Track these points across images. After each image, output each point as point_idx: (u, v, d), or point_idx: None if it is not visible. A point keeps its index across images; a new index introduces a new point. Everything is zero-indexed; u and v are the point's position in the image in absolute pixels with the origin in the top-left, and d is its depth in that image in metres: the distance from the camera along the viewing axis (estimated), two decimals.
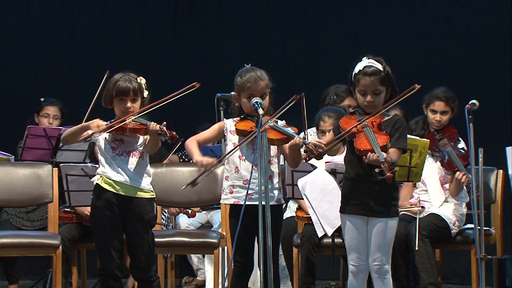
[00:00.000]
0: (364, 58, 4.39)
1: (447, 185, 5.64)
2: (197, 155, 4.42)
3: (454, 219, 5.54)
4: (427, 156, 5.63)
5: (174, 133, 4.42)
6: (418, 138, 5.42)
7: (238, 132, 4.45)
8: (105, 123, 4.43)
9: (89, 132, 4.40)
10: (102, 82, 6.46)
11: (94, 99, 6.34)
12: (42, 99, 6.60)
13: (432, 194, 5.65)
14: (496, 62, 7.48)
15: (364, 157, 4.17)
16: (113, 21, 8.21)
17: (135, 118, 4.45)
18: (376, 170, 4.11)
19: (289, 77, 7.61)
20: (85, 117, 6.17)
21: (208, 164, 4.33)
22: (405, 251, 5.38)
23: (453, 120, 5.75)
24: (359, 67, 4.37)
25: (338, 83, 6.20)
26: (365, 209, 4.30)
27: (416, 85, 4.31)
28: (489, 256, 5.14)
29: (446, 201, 5.64)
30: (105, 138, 4.50)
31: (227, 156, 4.41)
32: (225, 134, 4.54)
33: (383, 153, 4.12)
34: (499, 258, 5.64)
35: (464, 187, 5.56)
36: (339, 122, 4.41)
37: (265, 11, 8.15)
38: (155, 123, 4.40)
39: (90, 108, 6.49)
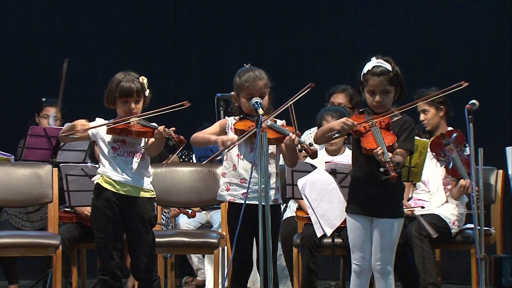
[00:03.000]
0: (373, 58, 4.38)
1: (448, 186, 5.63)
2: (213, 137, 4.43)
3: (454, 218, 5.54)
4: (432, 158, 5.63)
5: (182, 137, 4.44)
6: (418, 138, 5.41)
7: (237, 132, 4.45)
8: (88, 123, 4.46)
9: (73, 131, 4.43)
10: (64, 71, 6.51)
11: (61, 89, 6.40)
12: (43, 99, 6.59)
13: (434, 195, 5.64)
14: (496, 62, 7.49)
15: (373, 151, 4.15)
16: (113, 21, 8.21)
17: (140, 120, 4.46)
18: (381, 169, 4.10)
19: (289, 77, 7.60)
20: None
21: (227, 141, 4.31)
22: (401, 255, 5.35)
23: (453, 120, 5.75)
24: (367, 67, 4.36)
25: (338, 82, 6.21)
26: (369, 209, 4.30)
27: (464, 82, 4.28)
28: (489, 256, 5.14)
29: (446, 201, 5.64)
30: (108, 141, 4.51)
31: (241, 139, 4.36)
32: (227, 131, 4.53)
33: (388, 153, 4.11)
34: (495, 257, 5.64)
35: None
36: None
37: (265, 11, 8.15)
38: (164, 127, 4.41)
39: (59, 100, 6.51)
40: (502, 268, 5.56)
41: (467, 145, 5.62)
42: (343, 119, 4.30)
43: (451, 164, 5.56)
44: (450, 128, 5.77)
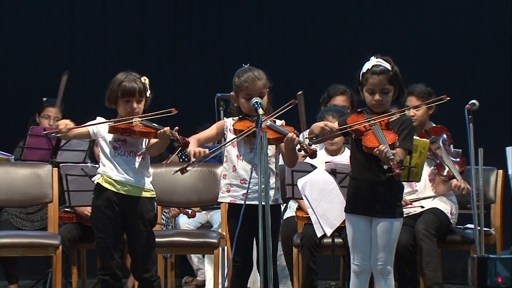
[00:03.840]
0: (373, 57, 4.39)
1: (433, 181, 5.61)
2: (190, 147, 4.43)
3: (449, 207, 5.51)
4: None
5: (187, 139, 4.44)
6: (418, 138, 5.41)
7: (236, 132, 4.45)
8: (71, 123, 4.46)
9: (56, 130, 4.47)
10: (63, 83, 6.49)
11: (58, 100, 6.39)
12: (44, 99, 6.58)
13: (422, 193, 5.62)
14: (496, 62, 7.48)
15: (375, 150, 4.14)
16: (113, 21, 8.21)
17: (142, 121, 4.46)
18: (385, 167, 4.10)
19: (289, 77, 7.61)
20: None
21: (197, 153, 4.33)
22: (412, 256, 5.33)
23: (453, 120, 5.74)
24: (367, 66, 4.36)
25: (338, 82, 6.21)
26: (369, 209, 4.30)
27: (446, 96, 4.33)
28: None
29: (434, 197, 5.61)
30: (109, 141, 4.51)
31: (218, 150, 4.41)
32: (225, 132, 4.54)
33: (391, 150, 4.12)
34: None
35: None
36: (346, 120, 4.40)
37: (265, 11, 8.15)
38: (168, 128, 4.41)
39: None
40: (487, 269, 5.52)
41: (451, 143, 5.60)
42: (322, 123, 4.31)
43: (439, 162, 5.53)
44: (433, 125, 5.75)
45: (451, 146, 5.62)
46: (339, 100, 6.12)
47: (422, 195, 5.61)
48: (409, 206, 5.56)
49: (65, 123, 4.44)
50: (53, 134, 4.50)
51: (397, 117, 4.39)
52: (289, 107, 4.32)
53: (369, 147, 4.19)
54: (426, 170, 5.60)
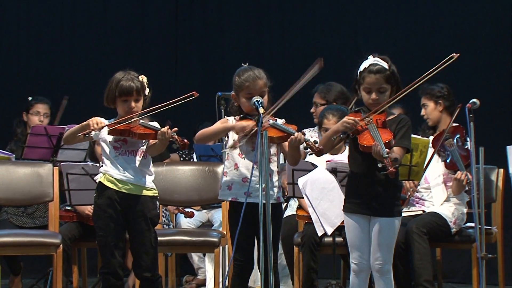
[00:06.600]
0: (370, 56, 4.39)
1: (449, 184, 5.63)
2: (230, 124, 4.38)
3: (455, 218, 5.54)
4: (434, 155, 5.63)
5: (186, 140, 4.43)
6: (418, 137, 5.42)
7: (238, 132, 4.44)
8: (104, 120, 4.44)
9: (88, 130, 4.39)
10: (63, 107, 6.53)
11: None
12: (30, 98, 6.56)
13: (434, 190, 5.64)
14: (496, 61, 7.49)
15: (372, 145, 4.15)
16: (113, 21, 8.21)
17: (142, 122, 4.45)
18: (379, 165, 4.11)
19: (289, 77, 7.59)
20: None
21: (246, 126, 4.30)
22: (404, 252, 5.35)
23: (454, 119, 5.75)
24: (364, 65, 4.37)
25: (338, 82, 6.22)
26: (367, 208, 4.30)
27: (455, 54, 4.28)
28: (490, 255, 5.13)
29: (447, 199, 5.63)
30: (109, 141, 4.50)
31: (249, 134, 4.34)
32: None
33: (386, 149, 4.12)
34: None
35: (466, 187, 5.57)
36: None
37: (265, 10, 8.16)
38: (168, 129, 4.39)
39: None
40: None
41: (467, 139, 5.61)
42: (344, 119, 4.30)
43: (449, 158, 5.55)
44: (455, 124, 5.75)
45: (468, 142, 5.57)
46: None
47: (434, 192, 5.61)
48: (411, 208, 5.58)
49: (96, 121, 4.39)
50: (87, 136, 4.44)
51: (395, 116, 4.40)
52: (316, 65, 4.28)
53: (365, 146, 4.20)
54: (442, 169, 5.61)
